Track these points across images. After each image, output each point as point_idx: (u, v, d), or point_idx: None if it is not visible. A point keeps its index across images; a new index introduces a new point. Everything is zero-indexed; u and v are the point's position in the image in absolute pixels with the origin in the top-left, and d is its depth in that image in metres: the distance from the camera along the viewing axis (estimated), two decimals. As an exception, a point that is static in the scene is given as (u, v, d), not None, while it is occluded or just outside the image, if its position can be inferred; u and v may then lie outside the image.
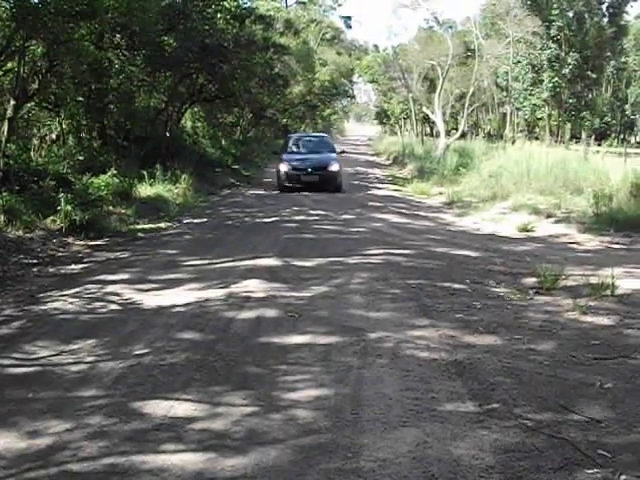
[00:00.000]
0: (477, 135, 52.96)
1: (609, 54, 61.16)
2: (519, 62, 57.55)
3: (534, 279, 9.93)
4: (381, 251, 12.52)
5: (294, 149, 27.30)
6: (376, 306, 8.72)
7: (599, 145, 45.90)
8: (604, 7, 58.69)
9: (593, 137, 53.17)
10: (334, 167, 25.27)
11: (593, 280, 9.49)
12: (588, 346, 7.18)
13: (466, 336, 7.50)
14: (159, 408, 5.60)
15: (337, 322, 8.01)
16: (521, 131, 61.29)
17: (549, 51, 55.06)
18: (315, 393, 5.93)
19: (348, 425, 5.27)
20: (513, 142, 36.10)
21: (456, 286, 9.82)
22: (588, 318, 8.18)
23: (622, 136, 72.49)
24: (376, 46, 78.48)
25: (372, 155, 56.63)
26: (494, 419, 5.37)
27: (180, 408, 5.60)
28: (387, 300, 9.04)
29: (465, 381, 6.18)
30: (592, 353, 6.94)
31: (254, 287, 9.64)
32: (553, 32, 54.41)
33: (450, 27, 55.57)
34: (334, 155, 26.31)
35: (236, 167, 32.20)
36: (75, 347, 7.14)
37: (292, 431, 5.19)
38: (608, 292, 9.02)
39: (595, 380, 6.18)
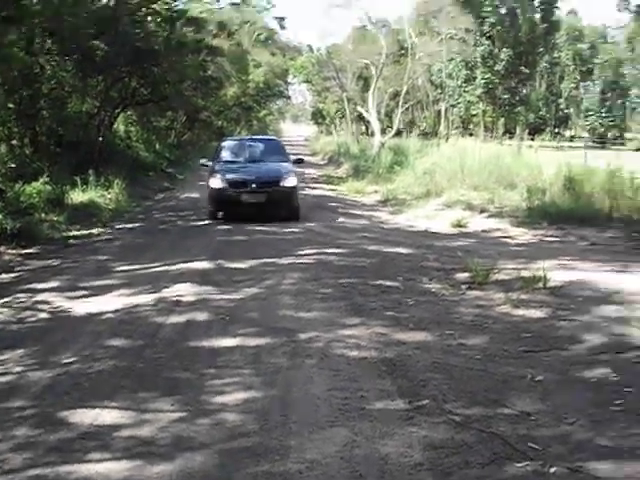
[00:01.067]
0: (412, 133, 53.32)
1: (542, 49, 62.31)
2: (453, 59, 58.18)
3: (466, 274, 10.01)
4: (314, 251, 12.53)
5: (231, 157, 19.43)
6: (307, 306, 8.73)
7: (533, 140, 46.56)
8: (536, 3, 59.71)
9: (528, 132, 53.97)
10: (289, 181, 17.53)
11: (525, 273, 9.60)
12: (519, 339, 7.26)
13: (397, 333, 7.52)
14: (86, 417, 5.50)
15: (267, 324, 7.99)
16: (456, 128, 61.80)
17: (482, 48, 55.85)
18: (244, 396, 5.89)
19: (276, 427, 5.24)
20: (447, 139, 36.32)
21: (388, 283, 9.85)
22: (520, 311, 8.27)
23: (557, 130, 73.70)
24: (310, 46, 78.52)
25: (308, 155, 56.67)
26: (423, 416, 5.39)
27: (107, 416, 5.52)
28: (318, 300, 9.05)
29: (395, 379, 6.19)
30: (523, 346, 7.02)
31: (185, 291, 9.58)
32: (486, 29, 55.25)
33: (383, 26, 55.75)
34: (288, 165, 18.80)
35: (170, 171, 32.00)
36: (3, 358, 7.00)
37: (219, 435, 5.15)
38: (540, 285, 9.12)
39: (526, 373, 6.25)
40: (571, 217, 14.73)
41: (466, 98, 58.96)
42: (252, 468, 4.64)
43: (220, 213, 17.46)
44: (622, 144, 55.21)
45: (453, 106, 61.79)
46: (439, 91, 63.28)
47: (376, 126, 41.28)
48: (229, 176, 17.65)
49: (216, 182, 17.54)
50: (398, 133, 44.32)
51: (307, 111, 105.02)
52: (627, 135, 72.83)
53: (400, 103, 46.59)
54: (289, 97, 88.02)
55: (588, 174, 17.29)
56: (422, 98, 65.76)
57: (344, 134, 63.44)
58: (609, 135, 60.47)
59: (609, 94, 73.31)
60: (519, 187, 17.86)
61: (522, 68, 57.81)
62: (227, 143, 21.32)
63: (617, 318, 7.93)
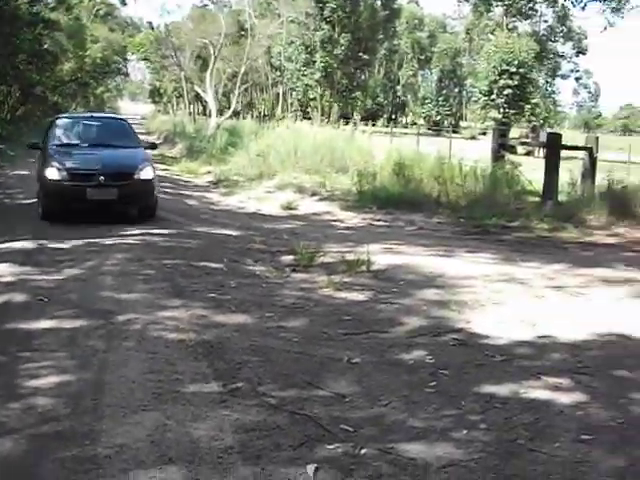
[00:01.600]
0: (251, 115, 53.36)
1: (382, 36, 63.57)
2: (293, 42, 58.57)
3: (292, 257, 10.05)
4: (139, 232, 12.29)
5: (69, 140, 15.53)
6: (128, 288, 8.55)
7: (373, 125, 47.46)
8: (377, -10, 60.77)
9: (365, 117, 55.02)
10: (146, 173, 14.26)
11: (350, 257, 9.73)
12: (340, 322, 7.34)
13: (217, 316, 7.46)
14: None
15: (86, 305, 7.78)
16: (294, 111, 62.29)
17: (322, 32, 56.43)
18: (57, 380, 5.70)
19: (88, 411, 5.10)
20: (280, 121, 36.55)
21: (213, 265, 9.79)
22: (342, 294, 8.36)
23: (393, 117, 75.45)
24: (150, 23, 77.41)
25: (144, 134, 55.78)
26: (237, 398, 5.35)
27: None
28: (140, 281, 8.89)
29: (211, 361, 6.13)
30: (343, 329, 7.09)
31: (3, 271, 9.20)
32: (327, 13, 55.87)
33: (225, 6, 55.54)
34: (143, 152, 15.68)
35: (1, 147, 30.62)
36: None
37: (30, 420, 4.96)
38: (364, 268, 9.27)
39: (344, 355, 6.31)
40: (400, 202, 15.08)
41: (304, 82, 59.43)
42: (61, 453, 4.50)
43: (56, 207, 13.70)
44: (457, 132, 57.07)
45: (292, 89, 62.31)
46: (278, 74, 63.64)
47: (213, 106, 41.12)
48: (69, 165, 13.78)
49: (52, 172, 13.59)
50: (235, 114, 44.33)
51: (145, 89, 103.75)
52: (462, 124, 75.48)
53: (238, 84, 46.54)
54: (127, 74, 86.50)
55: (418, 160, 17.76)
56: (261, 80, 65.99)
57: (181, 114, 62.94)
58: (445, 123, 62.29)
59: (446, 83, 75.57)
60: (351, 171, 18.13)
61: (361, 54, 58.81)
62: (63, 122, 16.77)
63: (437, 301, 8.18)
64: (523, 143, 33.49)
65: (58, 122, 16.50)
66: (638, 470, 4.71)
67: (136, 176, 13.87)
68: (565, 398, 5.76)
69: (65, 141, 15.39)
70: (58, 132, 15.64)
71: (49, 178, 13.51)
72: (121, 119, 19.55)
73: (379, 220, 14.19)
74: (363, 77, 64.29)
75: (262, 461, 4.44)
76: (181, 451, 4.54)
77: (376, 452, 4.62)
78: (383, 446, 4.70)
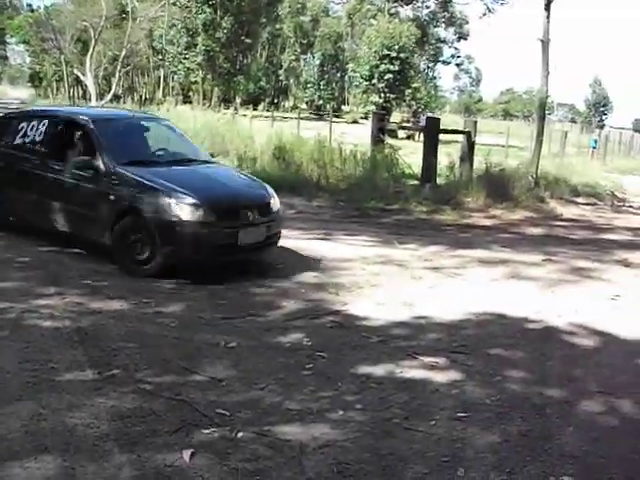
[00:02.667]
0: (132, 98, 52.61)
1: (264, 20, 63.26)
2: (174, 25, 57.84)
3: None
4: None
5: (134, 157, 9.78)
6: (2, 276, 8.29)
7: (254, 109, 47.37)
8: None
9: (248, 101, 54.93)
10: (276, 201, 9.90)
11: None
12: (217, 306, 7.36)
13: (94, 302, 7.34)
14: None
15: (-47, 295, 7.51)
16: (176, 95, 61.65)
17: (204, 15, 55.81)
18: None
19: (-46, 405, 4.94)
20: (160, 105, 36.15)
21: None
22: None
23: (276, 101, 75.47)
24: (30, 6, 75.37)
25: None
26: (113, 385, 5.29)
27: None
28: (15, 269, 8.63)
29: (87, 349, 6.03)
30: (220, 313, 7.11)
31: None
32: (209, -4, 55.26)
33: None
34: (234, 169, 13.63)
35: None
36: None
37: None
38: (242, 252, 9.25)
39: (220, 340, 6.32)
40: (281, 186, 14.98)
41: (186, 65, 58.80)
42: None
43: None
44: (339, 116, 57.46)
45: (174, 73, 61.58)
46: (160, 57, 62.84)
47: (92, 90, 40.51)
48: (206, 196, 8.98)
49: (185, 209, 8.71)
50: (116, 98, 43.60)
51: (25, 73, 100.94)
52: (345, 108, 76.04)
53: (119, 68, 45.87)
54: (6, 58, 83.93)
55: (299, 144, 17.82)
56: (143, 64, 65.11)
57: (61, 98, 61.49)
58: (327, 107, 62.65)
59: (328, 67, 75.90)
60: (231, 155, 18.07)
61: (244, 38, 58.46)
62: (105, 129, 10.11)
63: (315, 284, 8.27)
64: (403, 127, 34.01)
65: (95, 127, 9.96)
66: (512, 445, 4.88)
67: (273, 207, 9.73)
68: (441, 377, 5.91)
69: (131, 158, 9.73)
70: (106, 143, 9.61)
71: (183, 218, 8.70)
72: (162, 119, 13.05)
73: (259, 204, 14.17)
74: (245, 61, 63.99)
75: (138, 448, 4.42)
76: (56, 440, 4.47)
77: (253, 435, 4.65)
78: (260, 429, 4.74)
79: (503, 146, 28.29)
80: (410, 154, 19.97)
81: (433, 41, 74.84)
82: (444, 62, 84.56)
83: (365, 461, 4.50)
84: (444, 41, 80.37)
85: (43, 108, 16.88)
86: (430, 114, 43.24)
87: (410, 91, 49.97)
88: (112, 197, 9.03)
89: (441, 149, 18.98)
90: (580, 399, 5.84)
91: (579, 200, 20.11)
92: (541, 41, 18.93)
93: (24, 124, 10.55)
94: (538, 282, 9.77)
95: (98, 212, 9.19)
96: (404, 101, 50.58)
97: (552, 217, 16.80)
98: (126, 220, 8.94)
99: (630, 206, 21.57)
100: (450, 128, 23.10)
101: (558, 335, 7.57)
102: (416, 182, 16.75)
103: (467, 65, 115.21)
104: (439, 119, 19.10)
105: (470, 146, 18.01)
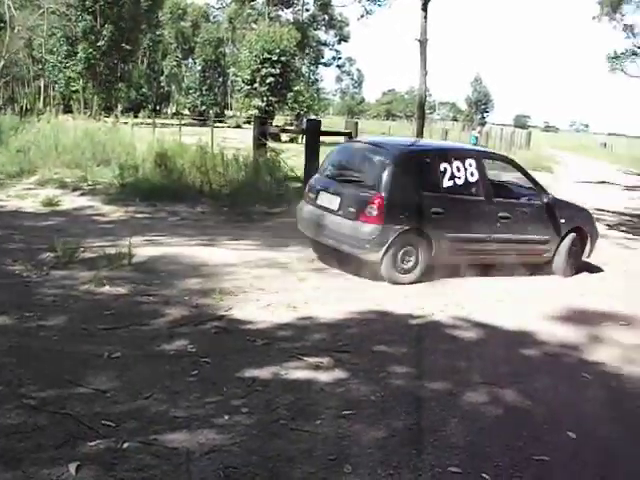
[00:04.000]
0: (13, 109, 51.25)
1: (145, 26, 62.51)
2: (54, 34, 56.63)
3: (52, 254, 9.73)
4: None
5: None
6: None
7: (136, 117, 46.73)
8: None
9: (130, 109, 54.09)
10: None
11: (112, 251, 9.57)
12: (100, 317, 7.22)
13: (-28, 319, 7.13)
14: None
15: None
16: (57, 104, 60.29)
17: (84, 23, 54.78)
18: None
19: None
20: (39, 115, 35.35)
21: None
22: (103, 289, 8.20)
23: (158, 107, 74.69)
24: None
25: None
26: (-4, 403, 5.16)
27: None
28: None
29: (-33, 367, 5.86)
30: (104, 324, 6.99)
31: None
32: (88, 4, 54.20)
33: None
34: None
35: None
36: None
37: None
38: (125, 262, 9.17)
39: (104, 350, 6.24)
40: (163, 193, 14.96)
41: (67, 74, 57.60)
42: None
43: None
44: (222, 121, 57.25)
45: (54, 82, 60.25)
46: (40, 67, 61.41)
47: (-31, 102, 39.18)
48: None
49: None
50: (-4, 109, 42.32)
51: None
52: (228, 113, 75.80)
53: (-4, 78, 44.66)
54: None
55: (181, 151, 17.69)
56: (23, 74, 63.52)
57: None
58: (210, 113, 62.23)
59: (210, 73, 75.50)
60: (113, 164, 17.82)
61: (124, 45, 57.61)
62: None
63: (199, 290, 8.25)
64: (285, 130, 34.00)
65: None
66: (398, 440, 4.99)
67: None
68: (326, 376, 6.00)
69: None
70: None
71: None
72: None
73: (142, 212, 13.96)
74: (127, 68, 63.15)
75: (23, 464, 4.35)
76: (-64, 463, 4.35)
77: (139, 445, 4.64)
78: (146, 438, 4.73)
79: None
80: (293, 157, 20.01)
81: (314, 44, 75.29)
82: (325, 64, 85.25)
83: (252, 464, 4.54)
84: (325, 44, 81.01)
85: None
86: (313, 117, 43.49)
87: (292, 94, 50.05)
88: None
89: (324, 151, 19.08)
90: (464, 391, 6.02)
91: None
92: (419, 41, 19.27)
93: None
94: (422, 277, 9.96)
95: None
96: (286, 104, 50.62)
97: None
98: None
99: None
100: (330, 130, 23.26)
101: (442, 329, 7.79)
102: (299, 184, 16.81)
103: (349, 67, 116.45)
104: (320, 121, 19.19)
105: (351, 147, 18.19)
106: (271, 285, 8.71)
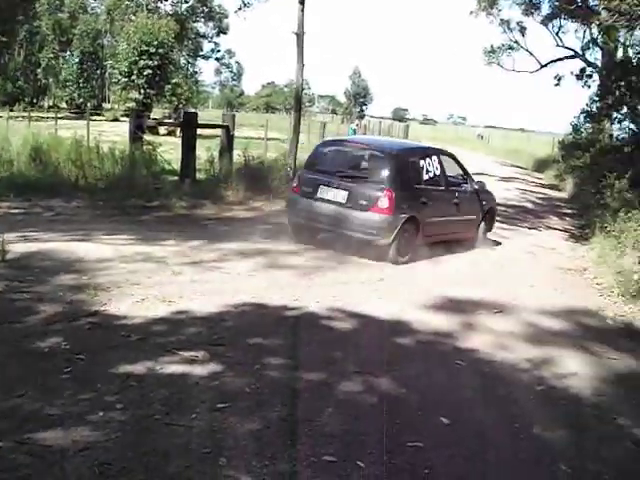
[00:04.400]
0: None
1: (22, 17, 60.68)
2: None
3: None
4: None
5: None
6: None
7: (11, 110, 45.50)
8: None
9: (5, 102, 52.58)
10: None
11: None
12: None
13: None
14: None
15: None
16: None
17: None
18: None
19: None
20: None
21: None
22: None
23: (35, 100, 72.75)
24: None
25: None
26: None
27: None
28: None
29: None
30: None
31: None
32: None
33: None
34: None
35: None
36: None
37: None
38: (-1, 258, 8.94)
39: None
40: (39, 188, 14.61)
41: None
42: None
43: None
44: (100, 114, 56.24)
45: None
46: None
47: None
48: None
49: None
50: None
51: None
52: (106, 105, 74.42)
53: None
54: None
55: (56, 144, 17.30)
56: None
57: None
58: (88, 105, 60.99)
59: (88, 65, 73.94)
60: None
61: (0, 36, 55.89)
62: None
63: (74, 286, 8.10)
64: (162, 123, 33.73)
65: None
66: (274, 431, 5.06)
67: None
68: (200, 370, 6.01)
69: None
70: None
71: None
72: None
73: (16, 208, 13.55)
74: (2, 61, 61.39)
75: None
76: None
77: (12, 444, 4.57)
78: (19, 437, 4.66)
79: (262, 139, 28.63)
80: (171, 150, 19.91)
81: (193, 36, 74.36)
82: (204, 57, 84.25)
83: (127, 460, 4.54)
84: (204, 36, 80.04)
85: None
86: (192, 110, 43.10)
87: (170, 87, 49.45)
88: None
89: (202, 144, 19.04)
90: (339, 380, 6.13)
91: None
92: (296, 34, 19.31)
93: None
94: (296, 270, 10.09)
95: None
96: (165, 97, 50.00)
97: (311, 206, 17.27)
98: None
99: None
100: (207, 122, 23.16)
101: (317, 320, 7.88)
102: (176, 178, 16.72)
103: (228, 59, 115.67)
104: (196, 114, 19.10)
105: (229, 140, 18.16)
106: (146, 280, 8.62)
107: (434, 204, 12.41)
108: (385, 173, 11.84)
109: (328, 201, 11.78)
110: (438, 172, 12.78)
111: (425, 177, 12.45)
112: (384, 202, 11.40)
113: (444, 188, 12.94)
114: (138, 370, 5.88)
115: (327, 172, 12.23)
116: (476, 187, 13.98)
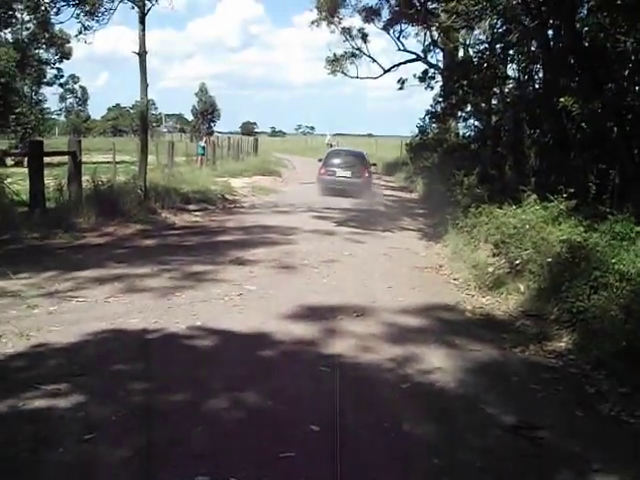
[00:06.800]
0: None
1: None
2: None
3: None
4: None
5: None
6: None
7: None
8: None
9: None
10: None
11: None
12: None
13: None
14: None
15: None
16: None
17: None
18: None
19: None
20: None
21: None
22: None
23: None
24: None
25: None
26: None
27: None
28: None
29: None
30: None
31: None
32: None
33: None
34: None
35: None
36: None
37: None
38: None
39: None
40: None
41: None
42: None
43: None
44: None
45: None
46: None
47: None
48: None
49: None
50: None
51: None
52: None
53: None
54: None
55: None
56: None
57: None
58: None
59: None
60: None
61: None
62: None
63: None
64: (8, 154, 32.68)
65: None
66: (144, 456, 4.94)
67: None
68: (65, 402, 5.81)
69: None
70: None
71: None
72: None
73: None
74: None
75: None
76: None
77: None
78: None
79: (111, 163, 28.07)
80: (19, 181, 19.25)
81: (35, 63, 72.17)
82: (48, 83, 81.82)
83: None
84: (46, 62, 77.72)
85: None
86: (39, 138, 41.88)
87: (14, 117, 47.96)
88: None
89: (51, 172, 18.51)
90: (206, 399, 6.04)
91: (191, 207, 20.74)
92: (138, 54, 19.06)
93: None
94: (155, 292, 9.90)
95: None
96: (9, 127, 48.44)
97: (165, 227, 17.10)
98: None
99: (241, 207, 22.61)
100: (54, 150, 22.56)
101: (178, 340, 7.75)
102: (26, 209, 16.14)
103: (72, 85, 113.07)
104: (42, 142, 18.43)
105: (77, 166, 17.61)
106: (1, 315, 8.27)
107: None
108: (361, 162, 29.80)
109: (342, 176, 28.34)
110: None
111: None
112: (365, 173, 28.85)
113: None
114: (0, 409, 5.62)
115: (336, 164, 29.08)
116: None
